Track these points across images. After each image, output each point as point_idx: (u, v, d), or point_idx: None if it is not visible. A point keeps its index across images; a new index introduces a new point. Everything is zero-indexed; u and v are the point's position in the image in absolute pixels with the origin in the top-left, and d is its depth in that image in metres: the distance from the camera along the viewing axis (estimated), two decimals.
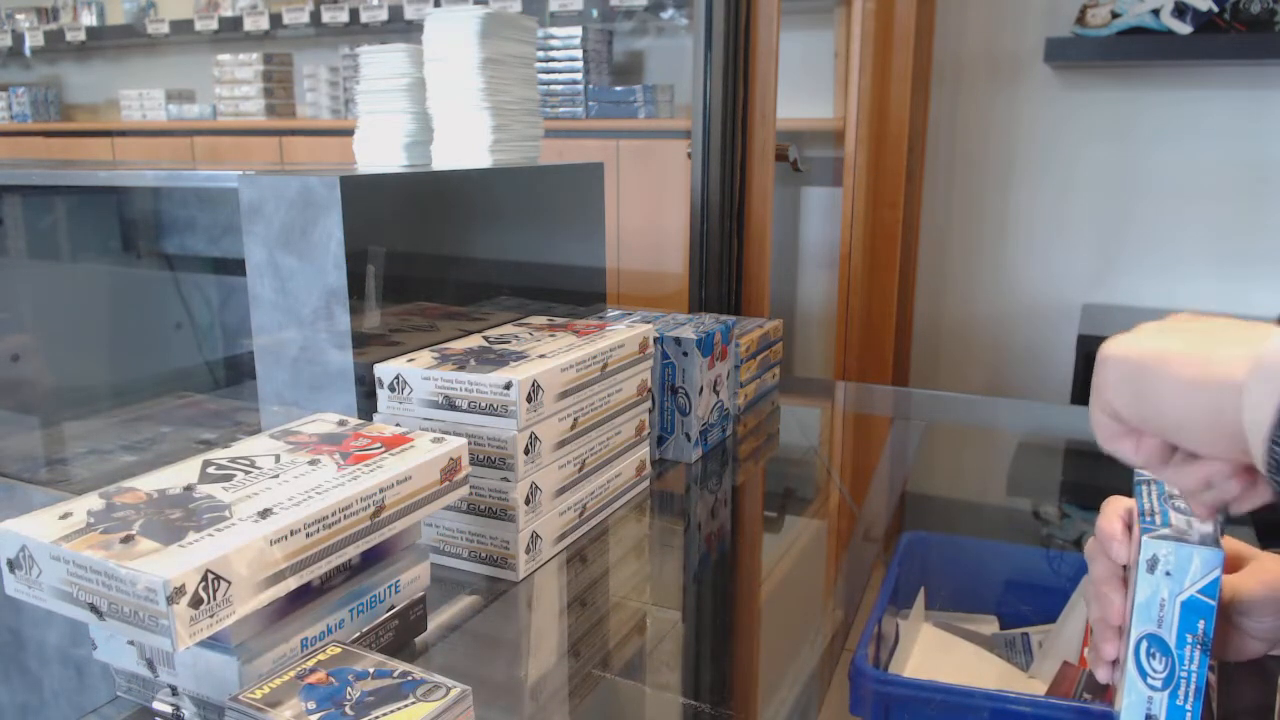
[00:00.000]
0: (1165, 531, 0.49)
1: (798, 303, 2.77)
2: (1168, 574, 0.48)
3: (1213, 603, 0.48)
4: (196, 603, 0.53)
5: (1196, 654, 0.48)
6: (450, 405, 0.83)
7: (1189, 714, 0.49)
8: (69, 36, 4.00)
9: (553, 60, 2.73)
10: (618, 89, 2.69)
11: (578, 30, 2.71)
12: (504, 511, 0.83)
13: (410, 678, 0.54)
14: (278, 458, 0.70)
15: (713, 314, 1.42)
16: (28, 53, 4.22)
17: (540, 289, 1.17)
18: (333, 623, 0.66)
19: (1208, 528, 0.49)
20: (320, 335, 0.89)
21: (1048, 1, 2.37)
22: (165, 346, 1.54)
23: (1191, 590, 0.48)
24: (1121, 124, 2.34)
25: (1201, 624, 0.48)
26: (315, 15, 3.36)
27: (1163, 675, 0.49)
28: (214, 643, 0.59)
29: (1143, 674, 0.49)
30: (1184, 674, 0.49)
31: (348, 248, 0.86)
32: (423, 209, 0.98)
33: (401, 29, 3.25)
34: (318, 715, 0.51)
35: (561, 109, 2.74)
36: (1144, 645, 0.49)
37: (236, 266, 0.97)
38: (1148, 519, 0.51)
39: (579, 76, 2.72)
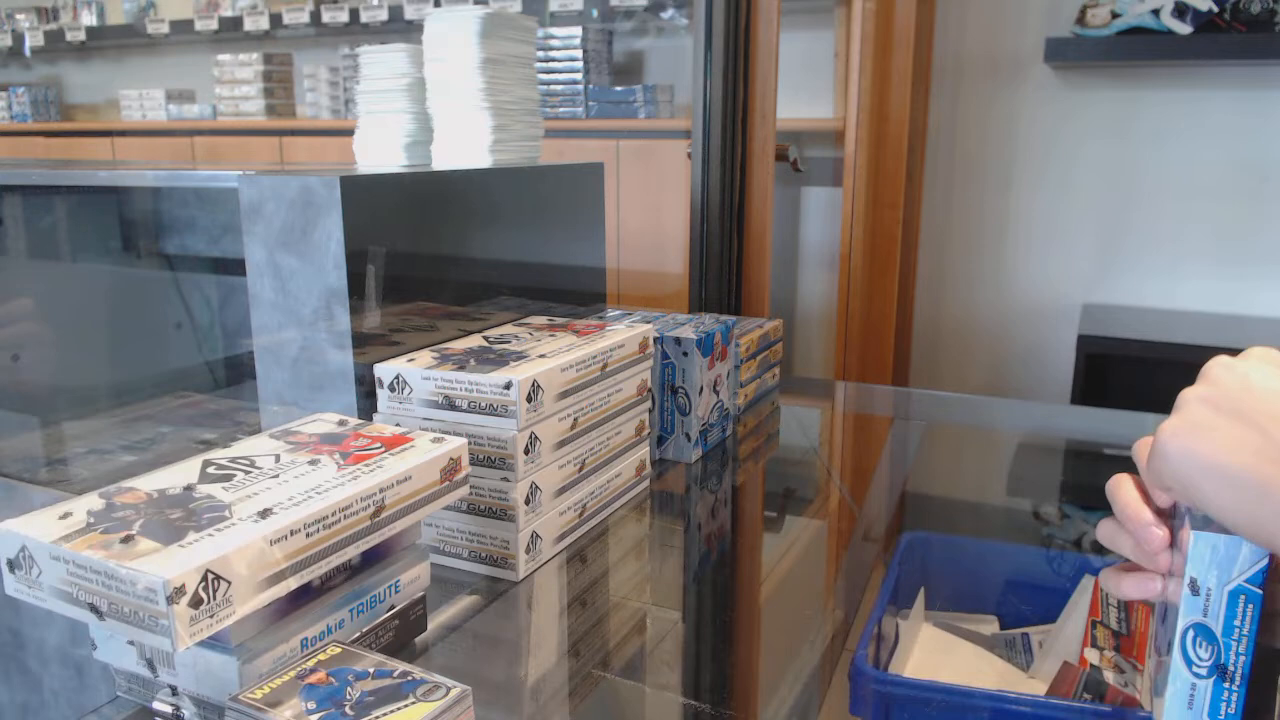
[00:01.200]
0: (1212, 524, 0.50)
1: (798, 303, 2.77)
2: (1216, 564, 0.49)
3: (1259, 591, 0.49)
4: (196, 603, 0.53)
5: (1243, 643, 0.49)
6: (450, 405, 0.83)
7: (1234, 701, 0.50)
8: (69, 36, 4.00)
9: (553, 60, 2.73)
10: (618, 89, 2.69)
11: (578, 30, 2.71)
12: (504, 511, 0.83)
13: (410, 678, 0.54)
14: (278, 458, 0.70)
15: (713, 314, 1.42)
16: (28, 53, 4.22)
17: (540, 289, 1.17)
18: (333, 623, 0.66)
19: None
20: (320, 335, 0.89)
21: (1048, 1, 2.37)
22: (165, 346, 1.54)
23: (1239, 579, 0.49)
24: (1121, 124, 2.34)
25: (1249, 611, 0.49)
26: (315, 15, 3.37)
27: (1208, 663, 0.50)
28: (214, 643, 0.59)
29: (1188, 662, 0.50)
30: (1230, 662, 0.50)
31: (348, 248, 0.86)
32: (423, 209, 0.98)
33: (401, 29, 3.25)
34: (318, 715, 0.51)
35: (561, 109, 2.74)
36: (1190, 634, 0.50)
37: (236, 266, 0.97)
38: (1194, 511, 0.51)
39: (579, 76, 2.72)
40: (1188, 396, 0.50)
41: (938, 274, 2.60)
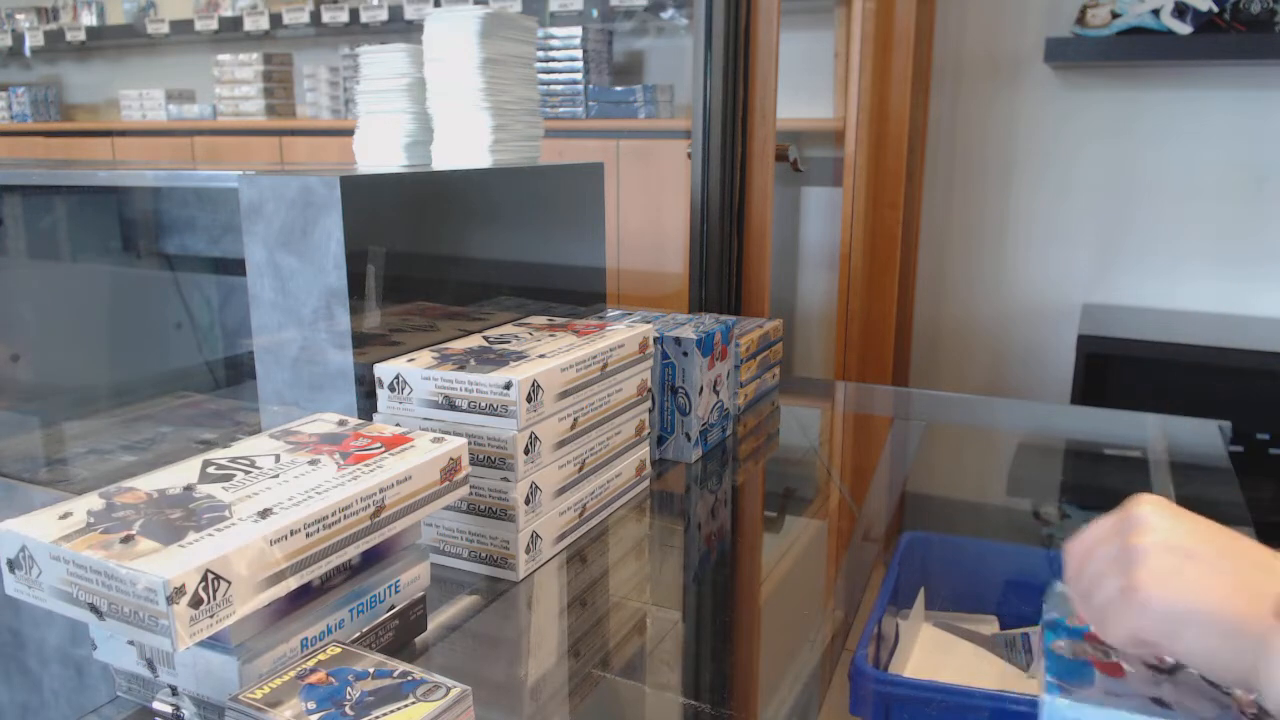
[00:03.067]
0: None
1: (798, 303, 2.76)
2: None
3: None
4: (196, 603, 0.53)
5: None
6: (450, 405, 0.83)
7: None
8: (69, 36, 4.00)
9: (553, 60, 2.73)
10: (618, 89, 2.69)
11: (578, 30, 2.71)
12: (504, 511, 0.83)
13: (410, 678, 0.54)
14: (278, 458, 0.70)
15: (713, 314, 1.42)
16: (28, 53, 4.22)
17: (540, 289, 1.17)
18: (333, 623, 0.66)
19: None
20: (320, 335, 0.89)
21: (1048, 1, 2.37)
22: (165, 346, 1.54)
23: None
24: (1121, 124, 2.34)
25: None
26: (315, 15, 3.36)
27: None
28: (214, 643, 0.59)
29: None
30: None
31: (348, 248, 0.86)
32: (423, 209, 0.98)
33: (401, 29, 3.24)
34: (318, 715, 0.51)
35: (561, 109, 2.74)
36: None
37: (236, 266, 0.97)
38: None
39: (579, 76, 2.72)
40: (1143, 546, 0.52)
41: (938, 274, 2.60)
